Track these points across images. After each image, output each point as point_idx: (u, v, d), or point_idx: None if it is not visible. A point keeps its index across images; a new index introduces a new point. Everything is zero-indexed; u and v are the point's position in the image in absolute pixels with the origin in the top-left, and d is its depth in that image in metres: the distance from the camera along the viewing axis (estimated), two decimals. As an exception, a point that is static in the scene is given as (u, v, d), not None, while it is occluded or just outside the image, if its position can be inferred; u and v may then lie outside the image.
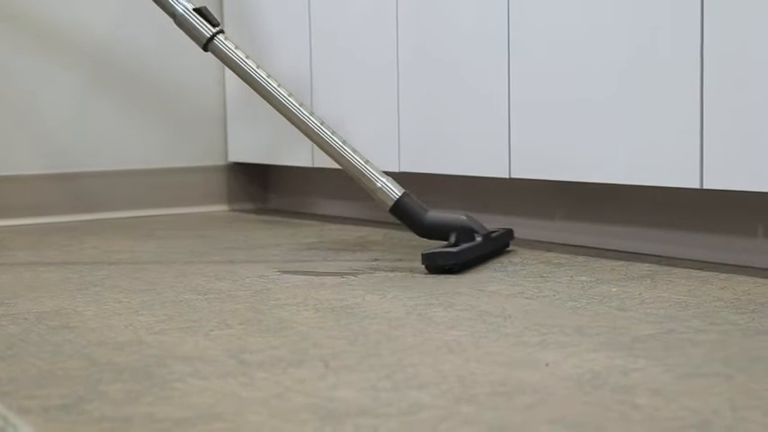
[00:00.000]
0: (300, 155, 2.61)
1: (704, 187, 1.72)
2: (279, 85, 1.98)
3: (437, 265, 1.77)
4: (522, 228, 2.21)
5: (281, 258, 1.99)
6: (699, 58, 1.71)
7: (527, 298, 1.56)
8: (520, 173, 2.04)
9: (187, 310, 1.51)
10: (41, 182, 2.68)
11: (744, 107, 1.65)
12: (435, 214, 1.90)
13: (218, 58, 2.00)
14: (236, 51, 1.99)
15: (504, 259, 1.92)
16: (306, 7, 2.55)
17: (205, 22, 2.00)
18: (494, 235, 1.95)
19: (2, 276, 1.85)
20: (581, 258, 1.92)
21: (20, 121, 2.66)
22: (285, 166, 2.87)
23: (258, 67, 1.99)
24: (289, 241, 2.22)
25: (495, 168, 2.08)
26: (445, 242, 1.88)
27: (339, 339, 1.32)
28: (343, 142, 1.94)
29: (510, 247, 2.05)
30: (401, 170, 2.31)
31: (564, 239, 2.12)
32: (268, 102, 1.98)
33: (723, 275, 1.71)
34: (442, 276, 1.75)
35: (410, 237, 2.25)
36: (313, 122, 1.96)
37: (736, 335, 1.30)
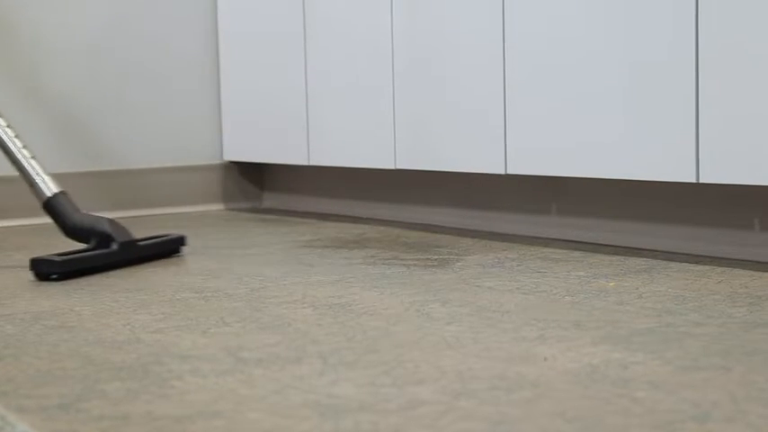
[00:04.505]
0: (296, 153, 2.61)
1: (700, 181, 1.72)
2: None
3: (39, 273, 1.77)
4: (519, 224, 2.21)
5: (277, 256, 1.99)
6: (694, 53, 1.71)
7: (525, 293, 1.56)
8: (516, 169, 2.04)
9: (184, 309, 1.51)
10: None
11: (739, 101, 1.65)
12: (81, 217, 1.92)
13: None
14: None
15: (500, 255, 1.92)
16: (301, 9, 2.55)
17: None
18: (144, 243, 1.95)
19: (-2, 277, 1.85)
20: (577, 254, 1.92)
21: (17, 120, 2.65)
22: (281, 165, 2.87)
23: None
24: (285, 239, 2.22)
25: (491, 165, 2.08)
26: (86, 245, 1.90)
27: (337, 336, 1.32)
28: (15, 136, 1.98)
29: (180, 253, 2.04)
30: (397, 167, 2.31)
31: (560, 235, 2.12)
32: None
33: (720, 269, 1.71)
34: (440, 272, 1.75)
35: (407, 234, 2.25)
36: None
37: (733, 328, 1.30)
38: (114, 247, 1.88)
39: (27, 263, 1.98)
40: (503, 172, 2.06)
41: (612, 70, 1.84)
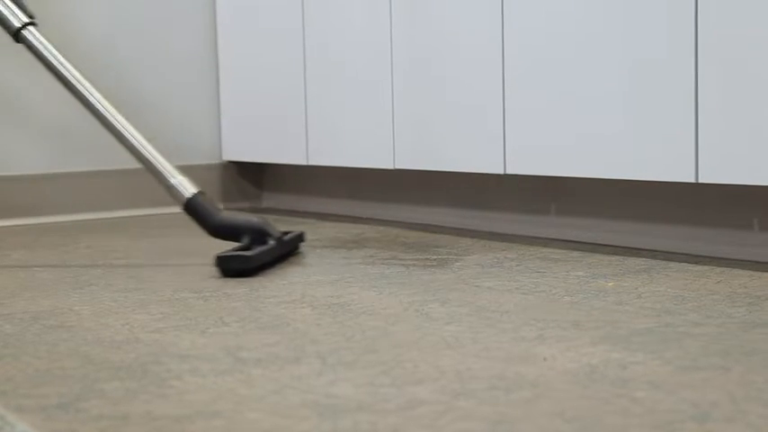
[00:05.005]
0: (295, 153, 2.61)
1: (699, 181, 1.72)
2: (85, 81, 1.99)
3: (231, 269, 1.76)
4: (518, 224, 2.20)
5: (276, 256, 1.99)
6: (693, 54, 1.71)
7: (524, 293, 1.56)
8: (515, 169, 2.04)
9: (183, 309, 1.51)
10: (35, 182, 2.68)
11: (738, 101, 1.66)
12: (226, 216, 1.92)
13: (29, 49, 2.01)
14: (46, 45, 2.01)
15: (499, 255, 1.92)
16: (300, 8, 2.55)
17: (19, 11, 2.02)
18: (286, 238, 1.95)
19: (-3, 276, 1.85)
20: (576, 254, 1.92)
21: (15, 120, 2.65)
22: (279, 164, 2.87)
23: (66, 62, 2.01)
24: (284, 239, 2.22)
25: (490, 164, 2.08)
26: (238, 244, 1.89)
27: (336, 336, 1.31)
28: (146, 140, 1.97)
29: (300, 250, 2.04)
30: (396, 167, 2.31)
31: (559, 235, 2.12)
32: (76, 98, 1.99)
33: (719, 269, 1.71)
34: (439, 272, 1.75)
35: (406, 234, 2.25)
36: (116, 120, 1.97)
37: (732, 328, 1.30)
38: (273, 242, 1.88)
39: (26, 262, 1.98)
40: (502, 172, 2.06)
41: (612, 70, 1.84)
